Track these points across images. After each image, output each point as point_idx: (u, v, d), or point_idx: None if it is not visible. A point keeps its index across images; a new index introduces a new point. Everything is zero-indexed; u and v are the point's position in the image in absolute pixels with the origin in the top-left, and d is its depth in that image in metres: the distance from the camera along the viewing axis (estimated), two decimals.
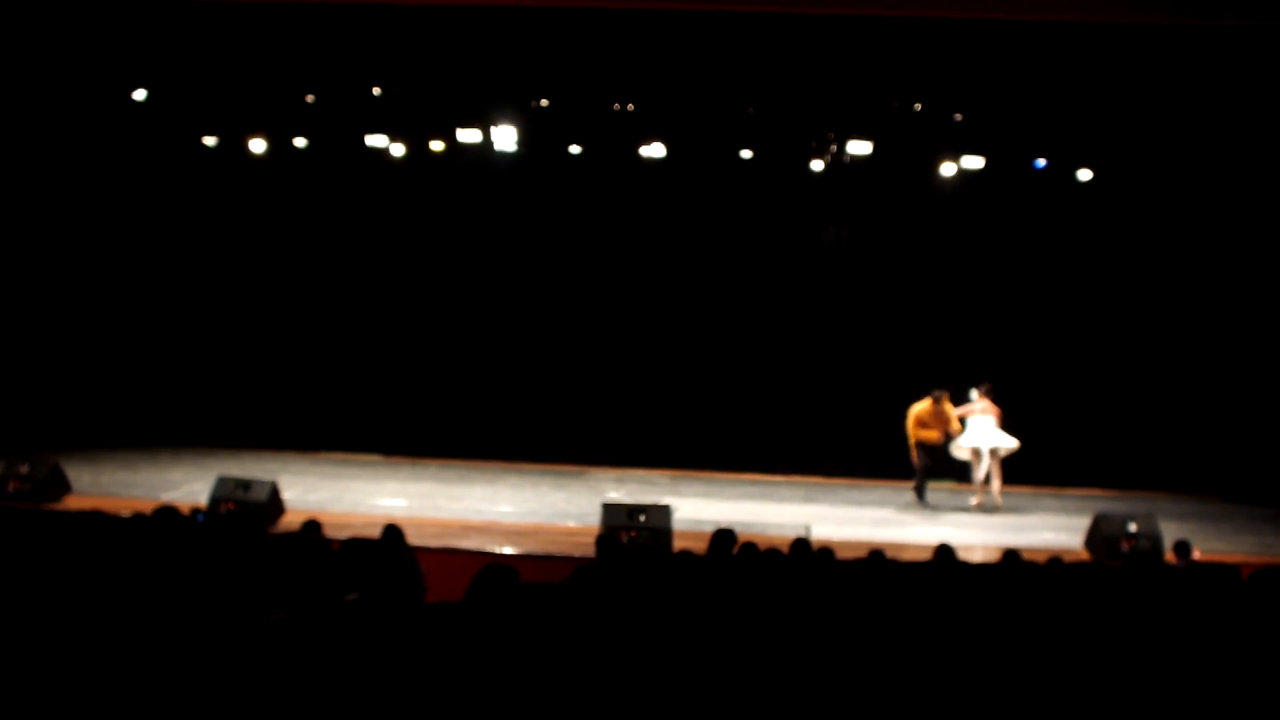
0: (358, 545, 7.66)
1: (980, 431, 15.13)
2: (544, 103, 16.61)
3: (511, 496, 15.20)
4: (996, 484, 15.01)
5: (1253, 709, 4.94)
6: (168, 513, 8.30)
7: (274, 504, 12.30)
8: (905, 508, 15.08)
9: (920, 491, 15.22)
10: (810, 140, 17.04)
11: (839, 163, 17.17)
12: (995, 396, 15.31)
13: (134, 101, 16.39)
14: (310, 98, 16.53)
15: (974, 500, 15.19)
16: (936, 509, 14.99)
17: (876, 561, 8.57)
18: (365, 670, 4.63)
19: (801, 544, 8.96)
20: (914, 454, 15.20)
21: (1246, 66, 13.78)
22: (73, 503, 12.32)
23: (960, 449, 15.28)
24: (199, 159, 18.25)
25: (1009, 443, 15.06)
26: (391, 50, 15.09)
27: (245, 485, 12.22)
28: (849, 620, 6.07)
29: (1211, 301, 17.60)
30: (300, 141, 17.57)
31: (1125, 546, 11.75)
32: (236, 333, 19.14)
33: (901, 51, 14.27)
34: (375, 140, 17.16)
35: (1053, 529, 13.78)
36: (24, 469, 12.82)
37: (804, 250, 18.80)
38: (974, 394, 15.37)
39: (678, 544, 11.06)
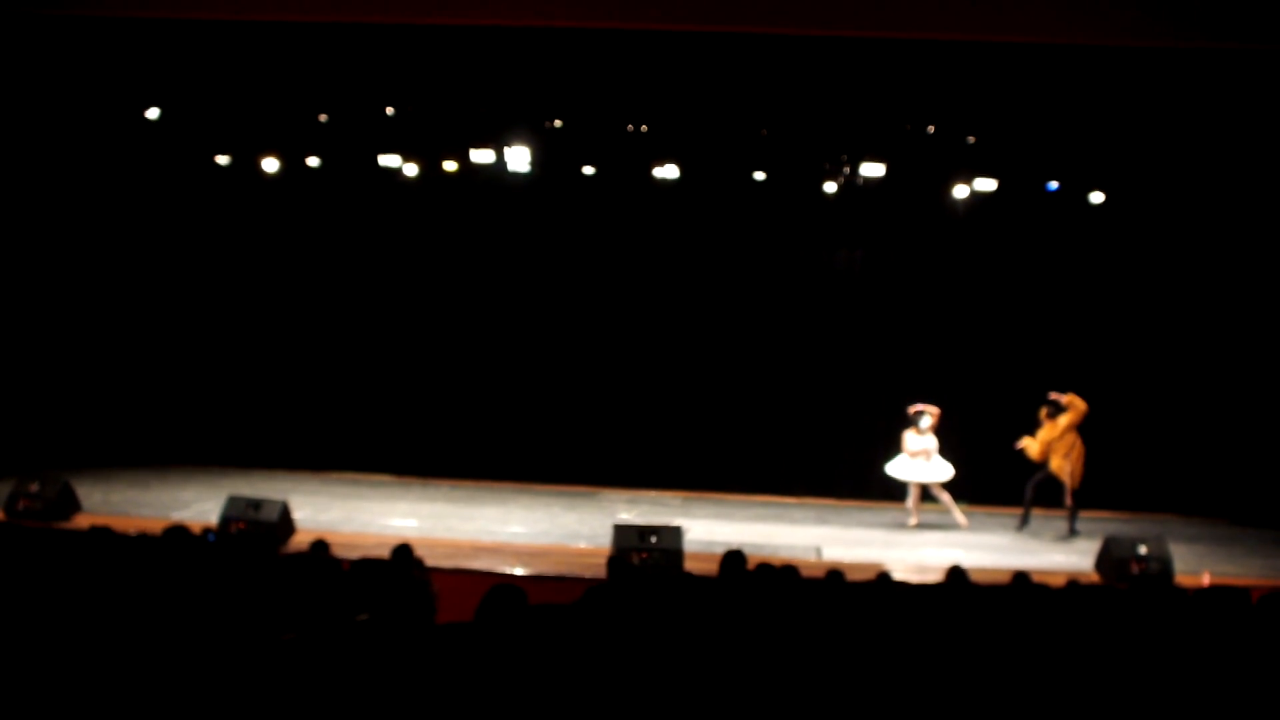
0: (368, 565, 7.67)
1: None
2: (558, 123, 16.64)
3: (523, 517, 15.19)
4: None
5: None
6: (178, 532, 8.29)
7: (285, 524, 12.30)
8: (915, 530, 15.09)
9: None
10: (823, 162, 17.06)
11: (852, 185, 17.19)
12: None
13: (147, 120, 16.45)
14: (323, 117, 16.58)
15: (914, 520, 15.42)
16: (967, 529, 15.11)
17: (887, 584, 8.56)
18: (376, 690, 4.63)
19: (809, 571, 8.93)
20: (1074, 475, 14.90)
21: (1261, 90, 13.78)
22: (83, 521, 12.24)
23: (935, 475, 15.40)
24: (212, 178, 18.31)
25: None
26: (405, 70, 15.12)
27: (256, 505, 12.21)
28: (860, 642, 6.05)
29: (1222, 325, 17.54)
30: (313, 161, 17.59)
31: (1135, 569, 11.72)
32: (248, 352, 19.16)
33: (914, 74, 14.28)
34: (388, 160, 17.15)
35: (1063, 551, 13.77)
36: (34, 487, 12.79)
37: (817, 272, 18.77)
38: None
39: (689, 566, 11.04)
